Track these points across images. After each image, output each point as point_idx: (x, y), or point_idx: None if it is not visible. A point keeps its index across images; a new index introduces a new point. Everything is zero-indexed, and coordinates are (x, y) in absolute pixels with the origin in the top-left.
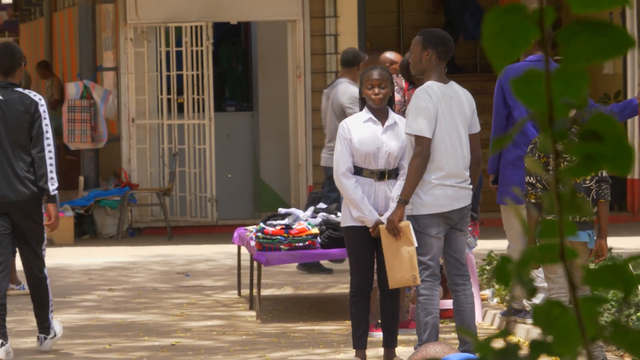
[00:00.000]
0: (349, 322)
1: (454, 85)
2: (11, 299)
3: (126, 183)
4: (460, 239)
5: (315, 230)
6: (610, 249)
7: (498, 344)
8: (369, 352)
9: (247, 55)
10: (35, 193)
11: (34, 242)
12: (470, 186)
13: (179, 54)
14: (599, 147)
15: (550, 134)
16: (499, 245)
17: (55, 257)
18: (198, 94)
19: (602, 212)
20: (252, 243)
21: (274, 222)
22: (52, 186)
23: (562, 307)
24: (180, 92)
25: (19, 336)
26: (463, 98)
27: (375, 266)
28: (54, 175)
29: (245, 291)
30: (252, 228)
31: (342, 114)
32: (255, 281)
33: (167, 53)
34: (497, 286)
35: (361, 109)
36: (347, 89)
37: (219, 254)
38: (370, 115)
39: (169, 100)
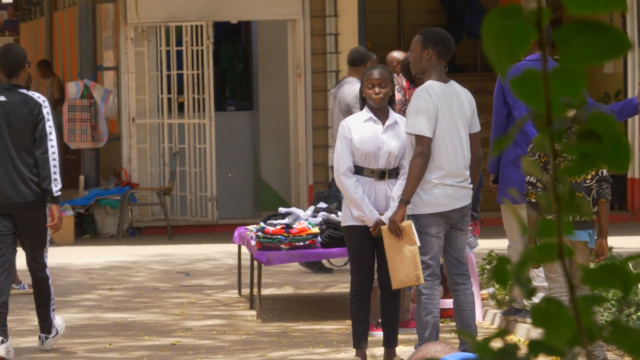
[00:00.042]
0: (349, 322)
1: (454, 85)
2: (12, 298)
3: (126, 182)
4: (461, 238)
5: (316, 230)
6: (611, 248)
7: (497, 344)
8: (369, 352)
9: (248, 54)
10: (39, 194)
11: (37, 243)
12: (471, 185)
13: (179, 54)
14: (597, 146)
15: (548, 134)
16: (500, 244)
17: (55, 257)
18: (198, 94)
19: (602, 212)
20: (253, 242)
21: (275, 222)
22: (56, 187)
23: (559, 304)
24: (180, 91)
25: (19, 335)
26: (463, 97)
27: (376, 266)
28: (57, 176)
29: (246, 290)
30: (252, 227)
31: (349, 112)
32: (255, 280)
33: (168, 52)
34: (497, 286)
35: (361, 109)
36: (353, 88)
37: (220, 254)
38: (370, 114)
39: (169, 99)
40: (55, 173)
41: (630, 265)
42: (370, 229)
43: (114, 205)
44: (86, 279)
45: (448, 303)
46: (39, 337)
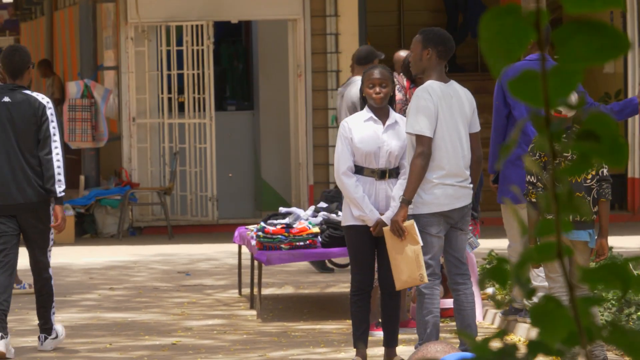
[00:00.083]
0: (349, 321)
1: (454, 85)
2: (12, 297)
3: (127, 182)
4: (461, 238)
5: (316, 230)
6: (611, 248)
7: (496, 344)
8: (370, 352)
9: (248, 54)
10: (43, 195)
11: (41, 243)
12: (471, 185)
13: (179, 53)
14: (595, 146)
15: (547, 134)
16: (500, 244)
17: (56, 256)
18: (199, 93)
19: (603, 212)
20: (253, 242)
21: (275, 221)
22: (60, 188)
23: (557, 303)
24: (181, 91)
25: (19, 335)
26: (463, 97)
27: (376, 265)
28: (61, 177)
29: (246, 290)
30: (252, 227)
31: (355, 111)
32: (255, 280)
33: (168, 52)
34: (496, 286)
35: (362, 108)
36: (360, 87)
37: (220, 253)
38: (371, 114)
39: (169, 99)
40: (59, 174)
41: (631, 266)
42: (371, 229)
43: (114, 205)
44: (86, 279)
45: (448, 303)
46: (39, 337)
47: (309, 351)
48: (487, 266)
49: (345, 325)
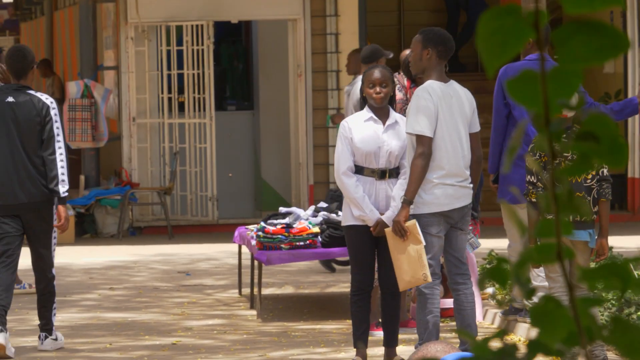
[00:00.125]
0: (349, 321)
1: (454, 85)
2: (12, 297)
3: (127, 182)
4: (461, 238)
5: (316, 230)
6: (611, 248)
7: (496, 344)
8: (370, 351)
9: (248, 54)
10: (47, 194)
11: (45, 243)
12: (471, 185)
13: (179, 53)
14: (595, 146)
15: (547, 135)
16: (500, 244)
17: (56, 256)
18: (199, 93)
19: (603, 211)
20: (253, 242)
21: (275, 221)
22: (63, 188)
23: (557, 303)
24: (181, 91)
25: (19, 335)
26: (463, 97)
27: (376, 265)
28: (65, 177)
29: (246, 290)
30: (252, 227)
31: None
32: (256, 280)
33: (168, 52)
34: (496, 286)
35: (362, 108)
36: None
37: (220, 253)
38: (371, 114)
39: (169, 99)
40: (62, 174)
41: (631, 267)
42: (371, 229)
43: (114, 205)
44: (86, 279)
45: (448, 303)
46: (39, 336)
47: (309, 351)
48: (487, 266)
49: (345, 325)
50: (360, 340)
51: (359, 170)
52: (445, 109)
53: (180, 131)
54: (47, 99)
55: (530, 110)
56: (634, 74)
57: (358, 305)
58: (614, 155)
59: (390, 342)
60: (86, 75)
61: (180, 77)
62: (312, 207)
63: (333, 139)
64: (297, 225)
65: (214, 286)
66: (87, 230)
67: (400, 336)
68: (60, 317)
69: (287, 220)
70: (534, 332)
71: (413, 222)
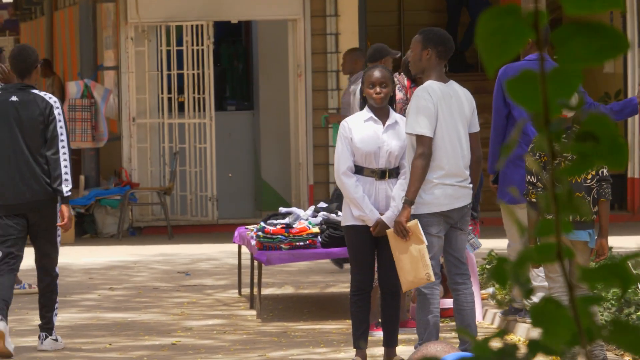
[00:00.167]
0: (349, 322)
1: (453, 85)
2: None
3: (127, 182)
4: (461, 238)
5: (316, 230)
6: (611, 248)
7: (496, 343)
8: (370, 352)
9: (248, 54)
10: (51, 193)
11: (51, 241)
12: (471, 185)
13: (179, 53)
14: (595, 146)
15: (547, 135)
16: (500, 244)
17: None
18: (199, 93)
19: (602, 212)
20: (253, 242)
21: (275, 221)
22: (66, 188)
23: (557, 303)
24: (181, 91)
25: (19, 335)
26: (463, 97)
27: (376, 265)
28: (68, 177)
29: (246, 290)
30: (252, 227)
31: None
32: (255, 280)
33: (168, 52)
34: (497, 286)
35: (362, 108)
36: None
37: (220, 253)
38: (371, 114)
39: (169, 99)
40: (66, 173)
41: (630, 264)
42: (371, 229)
43: (114, 205)
44: (86, 279)
45: (448, 303)
46: (39, 336)
47: (308, 351)
48: (487, 266)
49: (345, 325)
50: (360, 340)
51: (358, 170)
52: (444, 109)
53: (180, 131)
54: (50, 98)
55: (530, 110)
56: (634, 74)
57: (358, 305)
58: (614, 155)
59: (390, 342)
60: (86, 76)
61: (180, 77)
62: (312, 207)
63: (333, 139)
64: (297, 226)
65: (214, 286)
66: (87, 231)
67: (400, 336)
68: (60, 317)
69: (287, 220)
70: (534, 332)
71: (415, 222)
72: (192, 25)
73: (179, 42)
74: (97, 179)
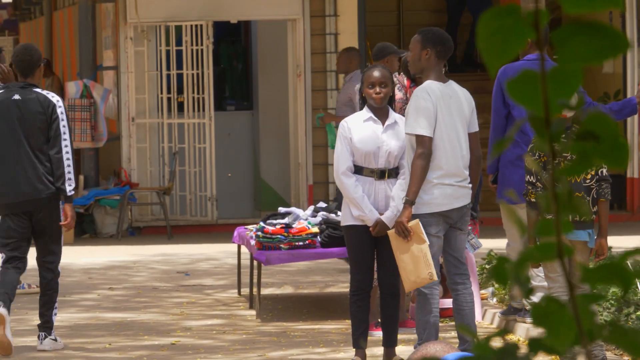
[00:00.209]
0: (349, 321)
1: (452, 85)
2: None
3: (126, 182)
4: (460, 238)
5: (315, 230)
6: (610, 248)
7: (497, 343)
8: (369, 352)
9: (247, 54)
10: (53, 191)
11: (55, 239)
12: (470, 185)
13: (179, 53)
14: (595, 146)
15: (547, 135)
16: (499, 244)
17: None
18: (198, 93)
19: (602, 211)
20: (252, 242)
21: (274, 221)
22: (70, 187)
23: (559, 303)
24: (180, 91)
25: (19, 335)
26: (462, 97)
27: (376, 265)
28: (71, 176)
29: (245, 290)
30: (252, 227)
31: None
32: (255, 280)
33: (167, 52)
34: (496, 285)
35: (361, 108)
36: None
37: (219, 253)
38: (370, 114)
39: (169, 99)
40: (69, 172)
41: (629, 262)
42: (370, 229)
43: (113, 205)
44: (86, 279)
45: (447, 303)
46: (39, 335)
47: (308, 351)
48: (487, 266)
49: (344, 325)
50: (359, 340)
51: (358, 170)
52: (444, 109)
53: (179, 131)
54: (53, 97)
55: (530, 110)
56: (633, 74)
57: (357, 305)
58: (615, 154)
59: (389, 342)
60: (85, 76)
61: (180, 77)
62: (312, 207)
63: (327, 140)
64: (297, 225)
65: (213, 286)
66: (86, 231)
67: (399, 336)
68: (59, 317)
69: (286, 220)
70: (533, 332)
71: (416, 222)
72: (191, 25)
73: (179, 42)
74: (96, 179)
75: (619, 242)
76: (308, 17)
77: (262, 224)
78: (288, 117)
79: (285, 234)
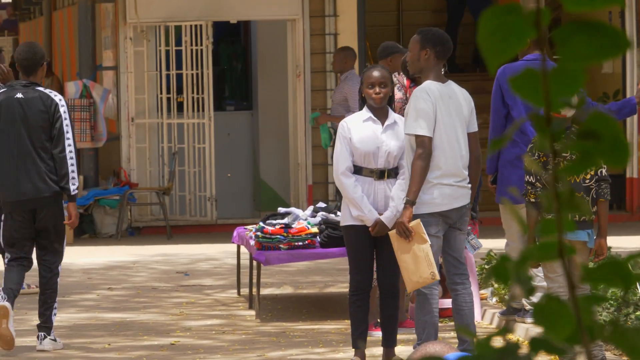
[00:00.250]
0: (348, 322)
1: (452, 85)
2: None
3: (126, 182)
4: (459, 238)
5: (315, 230)
6: (610, 248)
7: (497, 342)
8: (368, 352)
9: (247, 54)
10: (56, 190)
11: (58, 238)
12: (469, 185)
13: (178, 53)
14: (596, 145)
15: (548, 134)
16: (499, 244)
17: None
18: (198, 93)
19: (601, 211)
20: (252, 242)
21: (274, 222)
22: (73, 186)
23: (559, 301)
24: (179, 91)
25: (18, 335)
26: (461, 97)
27: (375, 265)
28: (74, 175)
29: (245, 290)
30: (251, 227)
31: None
32: (254, 280)
33: (167, 52)
34: (496, 285)
35: (361, 108)
36: None
37: (219, 253)
38: (370, 114)
39: (168, 99)
40: (73, 172)
41: (630, 265)
42: (370, 229)
43: (113, 205)
44: (85, 279)
45: (447, 303)
46: (38, 335)
47: (307, 351)
48: (486, 266)
49: (344, 325)
50: (358, 340)
51: (357, 170)
52: (443, 109)
53: (179, 131)
54: (55, 96)
55: (536, 106)
56: (633, 74)
57: (357, 305)
58: (616, 153)
59: (388, 343)
60: (85, 76)
61: (179, 77)
62: (311, 207)
63: (321, 140)
64: (296, 226)
65: (213, 286)
66: (85, 231)
67: (398, 336)
68: (59, 317)
69: (285, 220)
70: (533, 332)
71: (417, 222)
72: (191, 25)
73: (178, 42)
74: (96, 179)
75: (618, 242)
76: (307, 17)
77: (261, 224)
78: (287, 117)
79: (285, 234)
